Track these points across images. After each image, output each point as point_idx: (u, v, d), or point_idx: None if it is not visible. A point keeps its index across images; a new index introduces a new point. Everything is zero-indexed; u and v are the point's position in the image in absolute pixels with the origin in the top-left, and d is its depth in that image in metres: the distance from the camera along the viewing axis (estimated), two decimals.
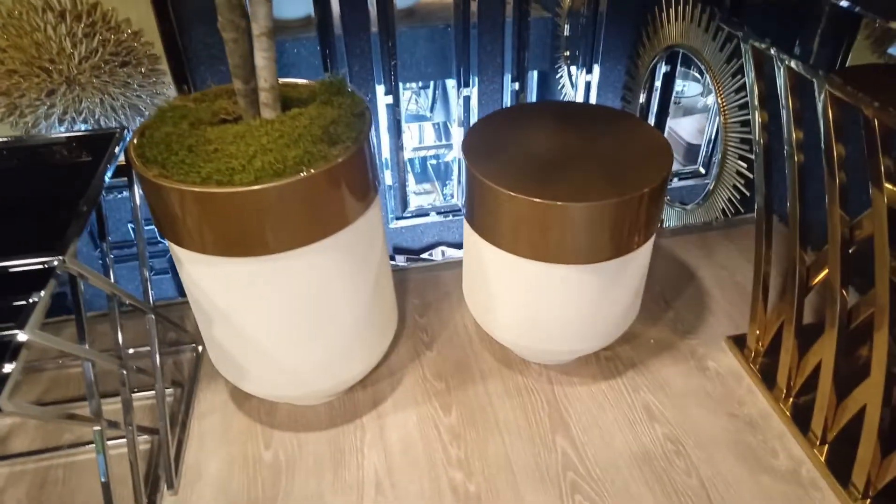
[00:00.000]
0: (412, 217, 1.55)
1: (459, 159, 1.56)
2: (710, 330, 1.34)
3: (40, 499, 1.05)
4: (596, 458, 1.09)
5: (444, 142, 2.09)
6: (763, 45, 0.99)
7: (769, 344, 1.23)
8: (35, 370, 1.28)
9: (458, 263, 1.55)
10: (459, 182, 1.58)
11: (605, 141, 1.05)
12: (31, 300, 0.73)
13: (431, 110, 2.01)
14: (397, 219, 1.55)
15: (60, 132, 1.21)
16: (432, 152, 2.07)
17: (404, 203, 1.54)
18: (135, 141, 0.88)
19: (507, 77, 1.41)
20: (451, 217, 1.57)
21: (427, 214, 1.56)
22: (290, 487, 1.05)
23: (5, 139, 1.04)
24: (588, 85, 1.50)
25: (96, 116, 1.18)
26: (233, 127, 0.89)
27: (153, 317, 1.03)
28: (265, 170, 0.81)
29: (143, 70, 1.16)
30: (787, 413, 1.14)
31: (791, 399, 1.15)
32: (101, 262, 1.40)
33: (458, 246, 1.62)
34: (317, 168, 0.83)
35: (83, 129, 1.21)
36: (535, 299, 1.05)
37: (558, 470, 1.07)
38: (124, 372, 0.94)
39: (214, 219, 0.82)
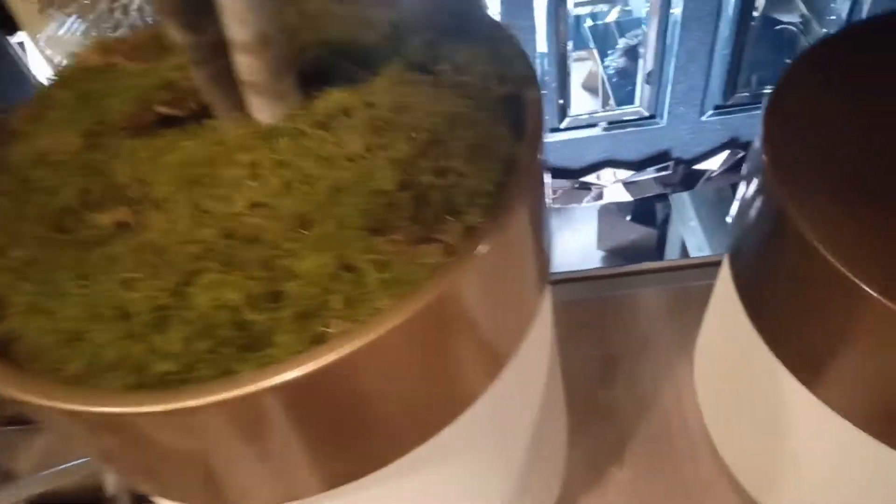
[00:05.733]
0: (571, 130, 1.08)
1: (639, 41, 1.39)
2: None
3: None
4: None
5: None
6: None
7: None
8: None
9: (657, 277, 0.94)
10: (637, 69, 1.26)
11: None
12: None
13: None
14: (551, 131, 1.08)
15: None
16: (587, 10, 1.67)
17: (563, 110, 1.05)
18: None
19: None
20: (626, 129, 1.08)
21: (594, 125, 1.10)
22: None
23: None
24: None
25: None
26: (184, 144, 0.34)
27: None
28: (218, 336, 0.26)
29: None
30: None
31: None
32: None
33: (635, 166, 1.17)
34: (378, 318, 0.26)
35: None
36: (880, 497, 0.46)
37: None
38: None
39: (110, 449, 0.30)
